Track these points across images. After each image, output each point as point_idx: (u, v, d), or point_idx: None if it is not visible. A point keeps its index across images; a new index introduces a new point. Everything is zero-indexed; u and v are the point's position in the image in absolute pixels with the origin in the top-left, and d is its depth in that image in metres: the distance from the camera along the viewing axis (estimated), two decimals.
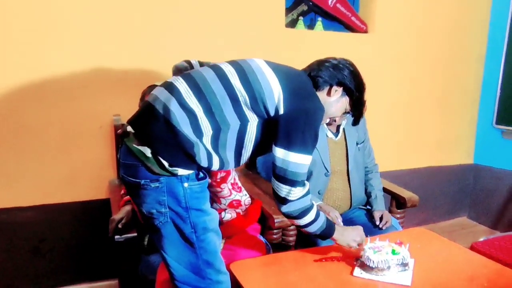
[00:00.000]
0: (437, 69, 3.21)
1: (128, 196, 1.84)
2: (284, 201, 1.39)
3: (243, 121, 1.33)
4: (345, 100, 1.52)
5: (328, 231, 1.51)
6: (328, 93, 1.50)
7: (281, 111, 1.32)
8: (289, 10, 2.81)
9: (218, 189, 1.76)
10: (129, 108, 2.24)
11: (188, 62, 1.63)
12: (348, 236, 1.56)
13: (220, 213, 1.83)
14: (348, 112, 1.57)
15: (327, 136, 2.07)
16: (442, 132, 3.37)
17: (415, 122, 3.23)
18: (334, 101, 1.50)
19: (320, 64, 1.51)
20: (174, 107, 1.27)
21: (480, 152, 3.51)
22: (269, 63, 1.42)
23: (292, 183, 1.36)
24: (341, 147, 2.10)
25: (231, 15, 2.45)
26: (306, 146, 1.33)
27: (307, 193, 1.42)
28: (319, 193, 2.04)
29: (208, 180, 1.71)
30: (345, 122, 2.10)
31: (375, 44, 2.93)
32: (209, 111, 1.30)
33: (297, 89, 1.36)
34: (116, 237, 1.69)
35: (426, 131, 3.29)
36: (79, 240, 2.37)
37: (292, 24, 2.82)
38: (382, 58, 2.97)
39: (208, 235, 1.36)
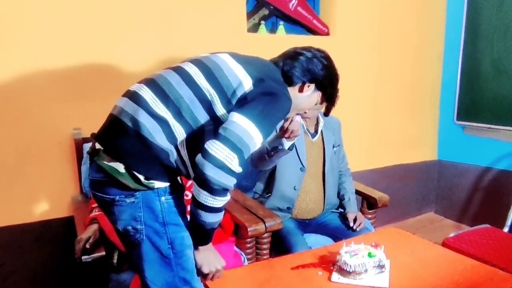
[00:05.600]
0: (398, 69, 3.27)
1: (94, 214, 1.77)
2: (215, 162, 1.17)
3: (217, 122, 1.28)
4: (317, 95, 1.51)
5: (211, 234, 1.31)
6: (301, 90, 1.47)
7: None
8: (250, 14, 2.78)
9: None
10: (90, 120, 2.16)
11: None
12: (209, 256, 1.34)
13: None
14: (319, 104, 1.56)
15: (304, 133, 2.05)
16: (407, 130, 3.43)
17: (380, 122, 3.28)
18: (306, 97, 1.49)
19: (294, 58, 1.47)
20: (143, 117, 1.22)
21: (443, 148, 3.61)
22: (234, 56, 1.38)
23: (235, 148, 1.19)
24: (318, 149, 2.09)
25: (193, 21, 2.40)
26: (262, 121, 1.25)
27: (238, 176, 1.23)
28: (294, 189, 2.01)
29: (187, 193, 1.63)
30: (323, 124, 2.09)
31: (337, 46, 2.94)
32: (179, 115, 1.25)
33: (265, 77, 1.33)
34: (84, 257, 1.60)
35: (391, 130, 3.35)
36: (42, 262, 2.24)
37: (254, 28, 2.80)
38: (344, 60, 2.98)
39: (186, 252, 1.31)
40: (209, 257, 1.34)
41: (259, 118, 1.24)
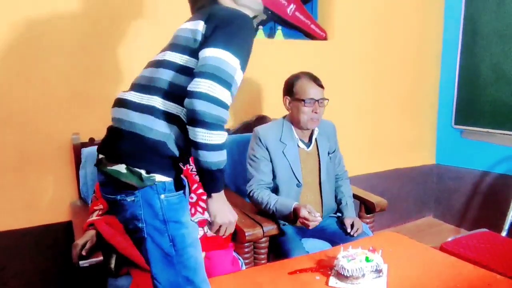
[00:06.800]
0: (397, 73, 3.28)
1: (92, 219, 1.77)
2: (201, 96, 1.16)
3: None
4: None
5: (220, 177, 1.27)
6: None
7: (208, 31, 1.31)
8: None
9: None
10: (89, 125, 2.18)
11: None
12: (223, 206, 1.31)
13: (203, 227, 1.78)
14: None
15: (298, 146, 2.05)
16: (405, 134, 3.44)
17: (379, 126, 3.28)
18: None
19: None
20: (133, 116, 1.26)
21: (441, 152, 3.60)
22: (184, 22, 1.43)
23: (213, 77, 1.18)
24: (313, 158, 2.08)
25: None
26: (229, 44, 1.24)
27: (228, 108, 1.22)
28: None
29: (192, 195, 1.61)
30: (317, 132, 2.08)
31: (335, 51, 2.96)
32: (165, 94, 1.28)
33: (211, 11, 1.35)
34: (81, 262, 1.61)
35: (390, 134, 3.35)
36: (42, 266, 2.25)
37: None
38: (343, 64, 3.01)
39: (188, 249, 1.30)
40: (223, 207, 1.32)
41: (225, 42, 1.24)
